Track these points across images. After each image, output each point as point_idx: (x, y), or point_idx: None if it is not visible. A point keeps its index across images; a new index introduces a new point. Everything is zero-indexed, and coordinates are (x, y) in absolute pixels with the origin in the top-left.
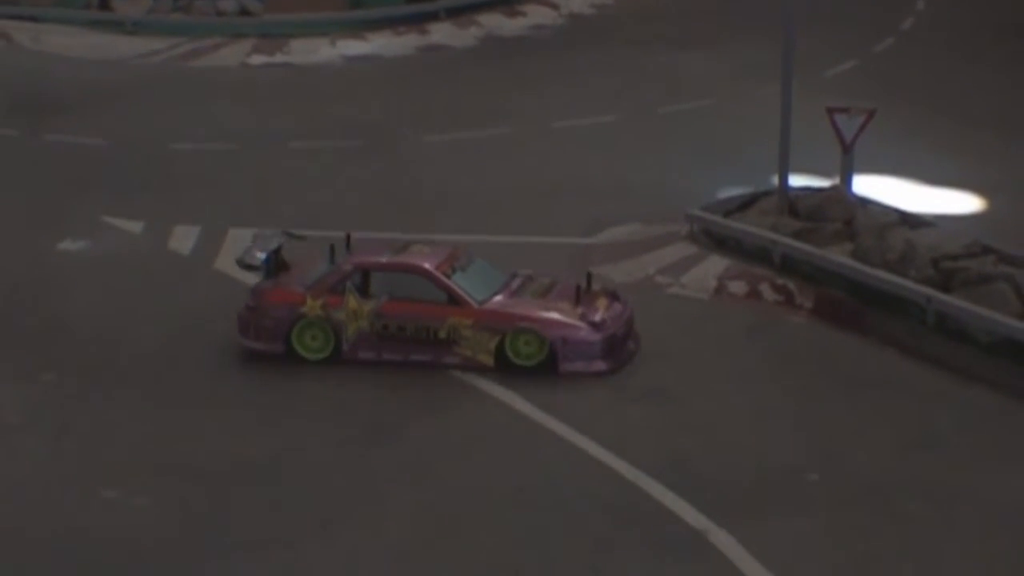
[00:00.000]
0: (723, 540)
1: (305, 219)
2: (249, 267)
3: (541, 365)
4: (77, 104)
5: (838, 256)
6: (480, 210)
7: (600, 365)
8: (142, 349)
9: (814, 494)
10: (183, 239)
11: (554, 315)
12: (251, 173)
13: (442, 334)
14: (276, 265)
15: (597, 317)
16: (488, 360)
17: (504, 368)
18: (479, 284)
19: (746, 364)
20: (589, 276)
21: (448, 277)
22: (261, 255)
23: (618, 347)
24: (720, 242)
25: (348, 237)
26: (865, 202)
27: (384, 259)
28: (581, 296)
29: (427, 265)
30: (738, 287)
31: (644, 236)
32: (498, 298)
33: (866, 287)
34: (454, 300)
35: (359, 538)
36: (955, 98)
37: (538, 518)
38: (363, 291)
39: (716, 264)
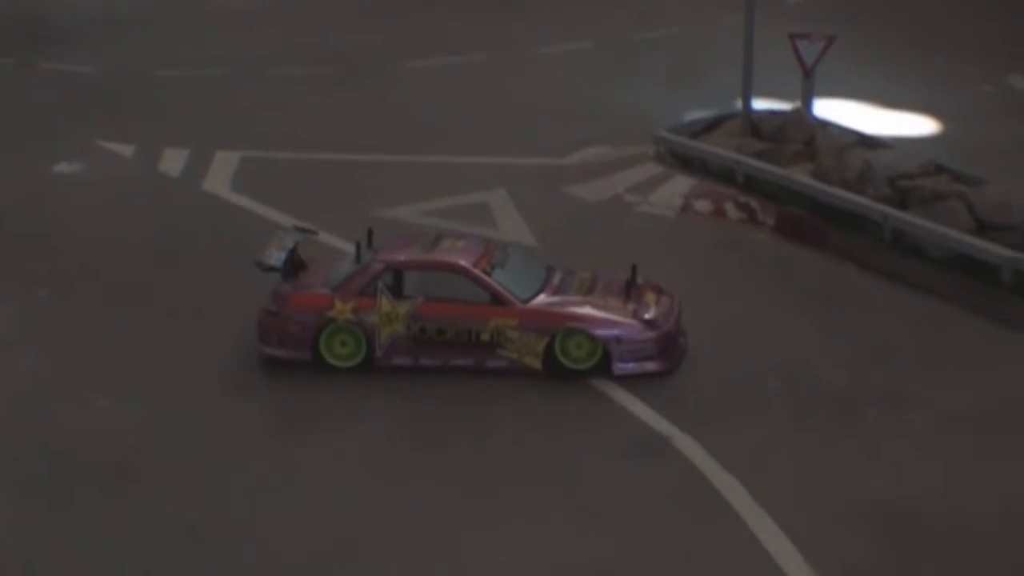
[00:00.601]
0: (687, 444)
1: (291, 142)
2: (270, 269)
3: (593, 368)
4: (72, 33)
5: (799, 175)
6: (460, 132)
7: (654, 366)
8: (134, 266)
9: (775, 401)
10: (173, 161)
11: (606, 314)
12: (238, 98)
13: (485, 336)
14: (293, 264)
15: (650, 314)
16: (536, 363)
17: (553, 372)
18: (520, 281)
19: (711, 278)
20: (634, 269)
21: (488, 274)
22: (279, 255)
23: (672, 345)
24: (686, 162)
25: (370, 232)
26: (825, 124)
27: (418, 257)
28: (630, 291)
29: (465, 263)
30: (703, 205)
31: (614, 157)
32: (543, 296)
33: (825, 205)
34: (497, 299)
35: (342, 445)
36: (913, 25)
37: (507, 425)
38: (396, 292)
39: (682, 183)
